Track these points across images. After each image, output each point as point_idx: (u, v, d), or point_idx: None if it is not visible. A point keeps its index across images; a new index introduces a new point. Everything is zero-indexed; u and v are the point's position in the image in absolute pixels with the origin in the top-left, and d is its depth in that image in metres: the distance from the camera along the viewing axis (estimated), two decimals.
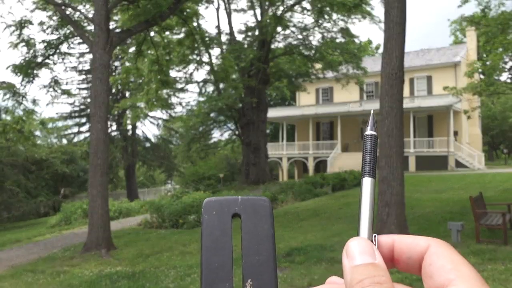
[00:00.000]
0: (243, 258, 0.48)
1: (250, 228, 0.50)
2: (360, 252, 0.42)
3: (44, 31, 14.96)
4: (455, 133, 32.63)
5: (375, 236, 0.44)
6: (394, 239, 0.44)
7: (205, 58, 28.30)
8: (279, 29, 27.91)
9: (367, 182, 0.46)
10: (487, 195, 15.69)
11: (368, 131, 0.49)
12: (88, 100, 38.05)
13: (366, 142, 0.48)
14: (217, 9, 32.18)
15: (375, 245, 0.44)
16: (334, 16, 27.49)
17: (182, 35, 18.53)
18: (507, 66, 30.27)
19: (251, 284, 0.47)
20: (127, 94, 38.60)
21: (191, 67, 29.85)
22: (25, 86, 15.07)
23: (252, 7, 30.54)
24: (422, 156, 31.86)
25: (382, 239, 0.45)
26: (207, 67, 29.74)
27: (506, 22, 14.79)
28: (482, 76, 20.42)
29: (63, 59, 15.84)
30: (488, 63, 18.96)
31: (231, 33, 31.57)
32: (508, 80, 33.29)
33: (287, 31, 29.73)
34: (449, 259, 0.40)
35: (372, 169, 0.47)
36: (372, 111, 0.52)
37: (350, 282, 0.41)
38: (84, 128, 40.69)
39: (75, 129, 41.72)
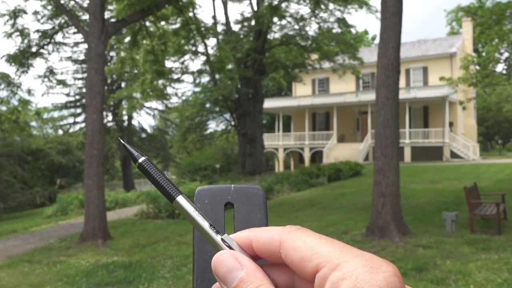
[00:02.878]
0: None
1: (243, 217, 0.50)
2: (226, 272, 0.41)
3: (38, 20, 14.82)
4: (451, 124, 32.74)
5: (225, 236, 0.44)
6: (251, 238, 0.43)
7: (201, 49, 28.19)
8: (275, 19, 27.77)
9: (181, 200, 0.46)
10: (482, 185, 15.82)
11: (140, 158, 0.47)
12: (84, 90, 37.92)
13: (146, 169, 0.46)
14: None
15: (232, 248, 0.43)
16: (331, 6, 27.39)
17: (177, 25, 18.43)
18: (503, 57, 30.28)
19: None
20: (123, 84, 38.44)
21: (187, 57, 29.73)
22: (20, 76, 14.97)
23: None
24: (418, 147, 31.98)
25: (238, 238, 0.44)
26: (203, 58, 29.62)
27: (502, 12, 14.77)
28: (477, 67, 20.44)
29: (57, 49, 15.70)
30: (483, 54, 18.96)
31: (227, 23, 31.40)
32: (504, 71, 33.34)
33: (284, 22, 29.62)
34: (305, 247, 0.38)
35: (175, 188, 0.46)
36: (123, 142, 0.49)
37: None
38: (80, 118, 40.56)
39: (71, 120, 41.60)
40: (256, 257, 0.43)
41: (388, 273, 0.35)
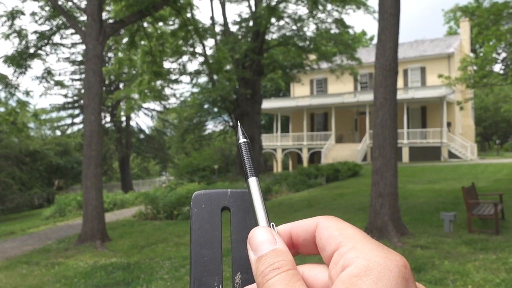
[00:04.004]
0: (233, 251, 0.49)
1: (240, 221, 0.50)
2: (261, 242, 0.43)
3: (36, 21, 14.79)
4: (449, 124, 32.79)
5: (273, 224, 0.46)
6: (291, 226, 0.47)
7: (199, 49, 28.20)
8: (273, 20, 27.77)
9: (252, 181, 0.48)
10: (480, 185, 15.84)
11: (241, 139, 0.52)
12: (82, 91, 37.83)
13: (241, 149, 0.51)
14: (211, 0, 31.99)
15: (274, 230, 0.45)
16: (329, 6, 27.41)
17: (175, 26, 18.42)
18: (500, 57, 30.34)
19: (240, 277, 0.48)
20: (121, 85, 38.38)
21: (185, 58, 29.70)
22: (17, 78, 14.93)
23: None
24: (416, 147, 32.02)
25: (281, 228, 0.47)
26: (201, 58, 29.61)
27: (499, 13, 14.79)
28: (475, 68, 20.48)
29: (55, 50, 15.68)
30: (481, 54, 18.99)
31: (225, 24, 31.40)
32: (501, 71, 33.37)
33: (281, 22, 29.62)
34: (335, 227, 0.42)
35: (254, 170, 0.49)
36: (239, 124, 0.56)
37: (255, 274, 0.42)
38: (78, 119, 40.42)
39: (69, 121, 41.43)
40: (291, 248, 0.45)
41: (401, 263, 0.37)
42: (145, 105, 39.21)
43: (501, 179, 19.15)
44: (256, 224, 0.46)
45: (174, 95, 41.84)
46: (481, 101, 47.27)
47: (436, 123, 33.18)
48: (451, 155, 31.23)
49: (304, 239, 0.45)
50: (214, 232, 0.48)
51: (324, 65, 32.38)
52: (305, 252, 0.46)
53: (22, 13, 14.39)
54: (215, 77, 30.06)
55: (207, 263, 0.47)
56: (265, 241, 0.43)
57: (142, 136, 44.14)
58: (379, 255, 0.38)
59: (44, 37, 14.73)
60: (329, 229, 0.42)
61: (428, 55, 35.49)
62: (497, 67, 39.55)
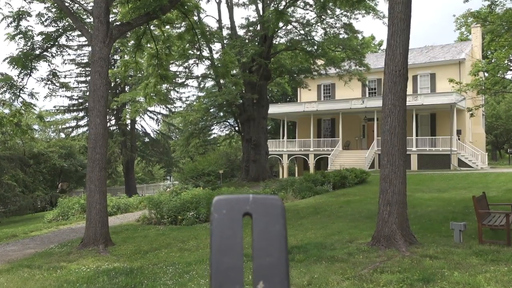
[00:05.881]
0: (254, 259, 0.48)
1: (262, 228, 0.49)
2: None
3: (42, 23, 14.74)
4: (458, 132, 32.43)
5: None
6: None
7: (206, 53, 28.08)
8: (281, 24, 27.65)
9: None
10: (490, 195, 15.54)
11: None
12: (87, 93, 37.88)
13: None
14: (219, 3, 31.92)
15: None
16: (337, 11, 27.26)
17: (182, 29, 18.34)
18: None
19: (263, 286, 0.47)
20: (127, 88, 38.41)
21: (191, 61, 29.64)
22: (22, 79, 14.89)
23: (254, 1, 30.25)
24: (425, 155, 31.70)
25: None
26: (208, 62, 29.53)
27: None
28: (486, 74, 20.23)
29: (61, 51, 15.61)
30: (493, 61, 18.76)
31: (233, 27, 31.32)
32: None
33: (289, 26, 29.50)
34: None
35: None
36: None
37: None
38: (83, 122, 40.50)
39: (74, 123, 41.54)
40: None
41: None
42: (150, 108, 39.19)
43: None
44: None
45: (180, 98, 41.89)
46: (492, 109, 46.83)
47: (445, 131, 32.84)
48: (461, 163, 30.88)
49: None
50: (236, 238, 0.48)
51: (332, 70, 32.21)
52: None
53: (29, 14, 14.36)
54: (221, 81, 29.96)
55: (228, 271, 0.47)
56: None
57: (147, 139, 44.14)
58: None
59: (50, 39, 14.68)
60: None
61: (439, 61, 35.22)
62: (510, 75, 39.25)
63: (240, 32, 31.18)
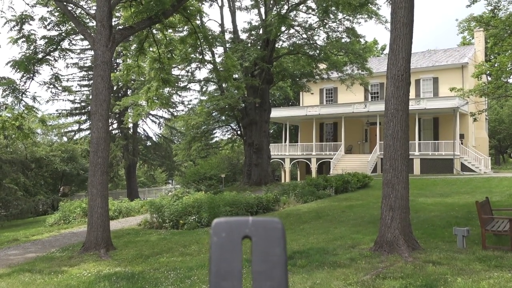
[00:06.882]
0: (254, 283, 0.48)
1: (262, 251, 0.48)
2: None
3: (45, 27, 14.77)
4: (461, 136, 32.31)
5: None
6: None
7: (208, 57, 28.10)
8: (283, 28, 27.67)
9: None
10: (494, 200, 15.46)
11: None
12: (90, 97, 37.92)
13: None
14: (221, 7, 31.98)
15: None
16: (340, 15, 27.27)
17: (184, 33, 18.35)
18: None
19: None
20: (129, 92, 38.42)
21: (193, 65, 29.64)
22: (25, 83, 14.89)
23: (256, 5, 30.29)
24: (427, 159, 31.56)
25: None
26: (210, 66, 29.55)
27: None
28: (489, 78, 20.15)
29: (64, 55, 15.62)
30: (496, 65, 18.70)
31: (235, 31, 31.36)
32: None
33: (292, 31, 29.51)
34: None
35: None
36: None
37: None
38: (85, 125, 40.47)
39: (76, 127, 41.53)
40: None
41: None
42: (152, 112, 39.18)
43: None
44: None
45: (182, 102, 41.91)
46: (495, 113, 46.69)
47: (448, 135, 32.72)
48: (464, 168, 30.74)
49: None
50: (235, 262, 0.48)
51: (334, 74, 32.18)
52: None
53: (31, 18, 14.38)
54: (224, 85, 29.96)
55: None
56: None
57: (149, 143, 44.09)
58: None
59: (53, 43, 14.69)
60: None
61: (441, 65, 35.13)
62: None
63: (243, 36, 31.23)
